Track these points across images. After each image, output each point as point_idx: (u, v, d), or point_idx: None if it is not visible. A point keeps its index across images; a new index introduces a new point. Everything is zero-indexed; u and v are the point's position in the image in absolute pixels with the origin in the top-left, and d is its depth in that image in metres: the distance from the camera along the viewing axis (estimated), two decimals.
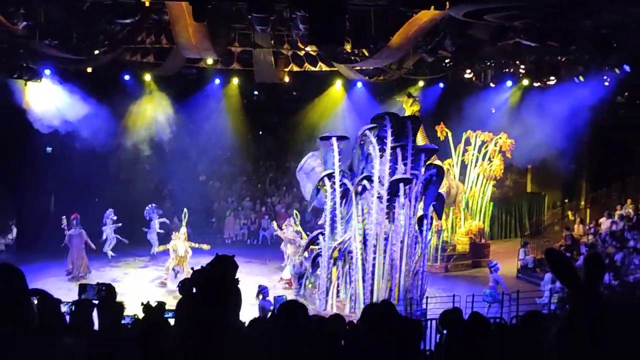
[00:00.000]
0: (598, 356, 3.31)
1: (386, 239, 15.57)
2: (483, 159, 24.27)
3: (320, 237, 16.33)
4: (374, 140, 15.39)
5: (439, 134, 23.87)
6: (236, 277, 4.37)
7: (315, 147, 18.53)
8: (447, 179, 21.70)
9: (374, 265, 15.50)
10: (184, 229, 21.05)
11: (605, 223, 22.95)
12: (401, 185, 15.36)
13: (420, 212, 16.58)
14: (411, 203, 15.84)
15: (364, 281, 15.57)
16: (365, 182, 15.52)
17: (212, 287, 4.19)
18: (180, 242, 20.48)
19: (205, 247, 20.85)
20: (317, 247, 17.00)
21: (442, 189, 20.54)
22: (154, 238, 23.64)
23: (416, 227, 16.25)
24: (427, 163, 16.43)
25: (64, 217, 21.16)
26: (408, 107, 21.95)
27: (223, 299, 4.13)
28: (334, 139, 16.04)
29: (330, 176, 15.91)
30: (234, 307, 4.26)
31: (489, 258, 22.83)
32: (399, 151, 15.50)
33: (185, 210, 22.02)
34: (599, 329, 3.35)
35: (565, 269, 3.60)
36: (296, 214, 22.20)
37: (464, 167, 24.84)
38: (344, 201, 16.00)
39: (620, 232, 21.47)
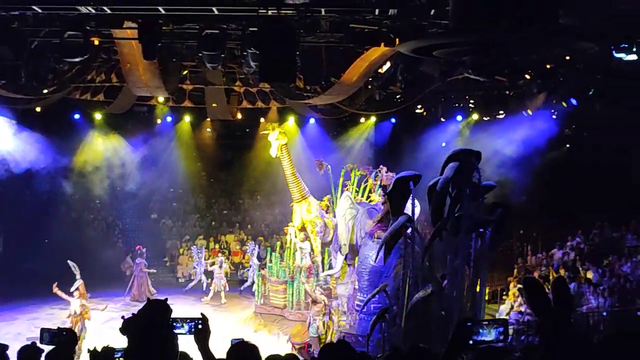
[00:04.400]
0: None
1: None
2: (363, 194, 21.37)
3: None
4: (465, 181, 13.84)
5: (318, 169, 21.78)
6: (169, 320, 4.23)
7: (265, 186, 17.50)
8: (323, 218, 20.96)
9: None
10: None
11: (556, 254, 23.22)
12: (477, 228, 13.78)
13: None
14: (482, 246, 14.08)
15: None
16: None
17: (142, 333, 4.06)
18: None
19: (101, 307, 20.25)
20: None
21: (317, 227, 20.45)
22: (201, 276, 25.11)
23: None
24: (493, 203, 14.78)
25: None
26: (274, 140, 20.56)
27: (156, 346, 4.01)
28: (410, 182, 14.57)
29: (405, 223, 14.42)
30: (169, 353, 4.11)
31: None
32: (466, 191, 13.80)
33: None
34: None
35: (541, 297, 3.69)
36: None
37: None
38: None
39: (572, 262, 21.73)
